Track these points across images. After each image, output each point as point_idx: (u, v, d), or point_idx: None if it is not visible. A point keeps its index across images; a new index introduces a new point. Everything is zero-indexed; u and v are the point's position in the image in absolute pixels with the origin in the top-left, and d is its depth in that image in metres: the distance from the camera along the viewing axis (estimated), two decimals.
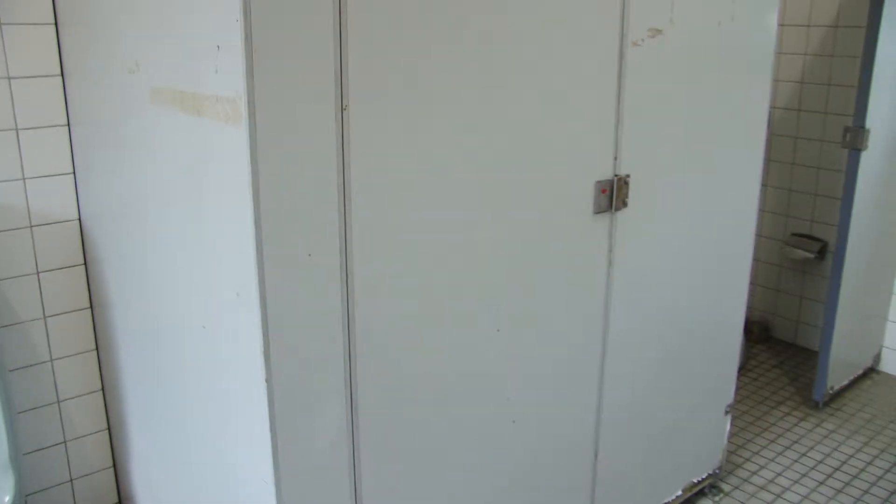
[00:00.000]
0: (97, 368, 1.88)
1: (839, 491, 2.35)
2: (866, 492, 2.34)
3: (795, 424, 2.73)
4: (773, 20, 1.94)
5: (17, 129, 1.65)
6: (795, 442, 2.62)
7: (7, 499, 1.44)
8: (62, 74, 1.68)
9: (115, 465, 1.97)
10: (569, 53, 1.48)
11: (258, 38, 1.05)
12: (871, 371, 3.12)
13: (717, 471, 2.30)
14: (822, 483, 2.39)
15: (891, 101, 2.61)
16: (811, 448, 2.58)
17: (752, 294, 3.30)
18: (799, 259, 3.20)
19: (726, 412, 2.24)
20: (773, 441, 2.62)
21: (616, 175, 1.64)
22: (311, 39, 1.11)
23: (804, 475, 2.43)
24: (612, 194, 1.63)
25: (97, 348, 1.87)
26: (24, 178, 1.68)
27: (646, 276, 1.81)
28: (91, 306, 1.84)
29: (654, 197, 1.75)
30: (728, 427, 2.28)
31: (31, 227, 1.71)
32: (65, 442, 1.88)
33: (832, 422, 2.75)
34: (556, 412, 1.70)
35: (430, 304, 1.39)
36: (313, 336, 1.23)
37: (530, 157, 1.47)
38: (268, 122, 1.09)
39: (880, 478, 2.41)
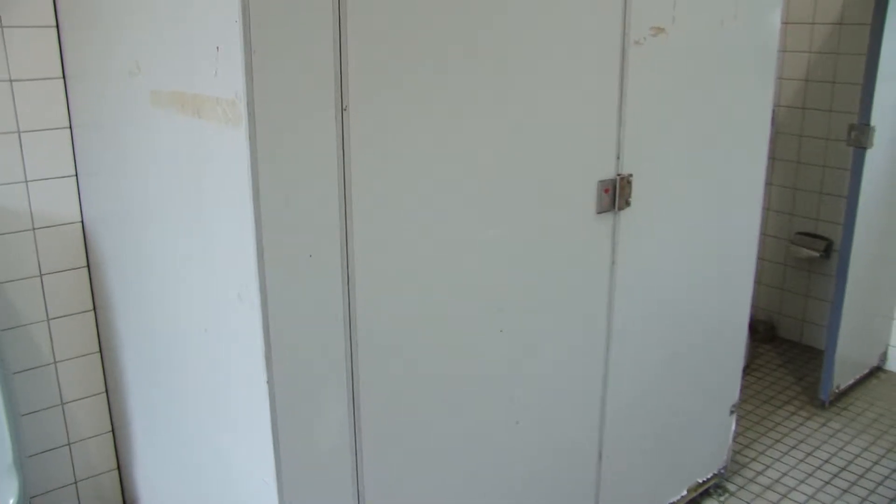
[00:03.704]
0: (101, 370, 1.88)
1: (845, 490, 2.34)
2: (873, 491, 2.33)
3: (801, 424, 2.72)
4: (776, 18, 1.93)
5: (19, 132, 1.65)
6: (801, 441, 2.61)
7: (11, 501, 1.44)
8: (64, 77, 1.68)
9: (119, 467, 1.98)
10: (570, 53, 1.47)
11: (257, 40, 1.05)
12: (877, 370, 3.11)
13: (723, 470, 2.29)
14: (828, 482, 2.38)
15: None
16: (817, 447, 2.57)
17: (757, 293, 3.28)
18: (804, 258, 3.19)
19: (731, 412, 2.23)
20: (778, 440, 2.61)
21: (619, 174, 1.63)
22: (311, 40, 1.11)
23: (810, 475, 2.42)
24: (615, 194, 1.63)
25: (100, 350, 1.87)
26: (26, 181, 1.68)
27: (649, 276, 1.80)
28: (94, 308, 1.84)
29: (658, 196, 1.75)
30: (733, 426, 2.27)
31: (34, 229, 1.71)
32: (69, 444, 1.88)
33: (838, 421, 2.74)
34: (560, 412, 1.69)
35: (432, 305, 1.38)
36: (315, 337, 1.22)
37: (532, 156, 1.47)
38: (268, 124, 1.09)
39: (887, 477, 2.40)
